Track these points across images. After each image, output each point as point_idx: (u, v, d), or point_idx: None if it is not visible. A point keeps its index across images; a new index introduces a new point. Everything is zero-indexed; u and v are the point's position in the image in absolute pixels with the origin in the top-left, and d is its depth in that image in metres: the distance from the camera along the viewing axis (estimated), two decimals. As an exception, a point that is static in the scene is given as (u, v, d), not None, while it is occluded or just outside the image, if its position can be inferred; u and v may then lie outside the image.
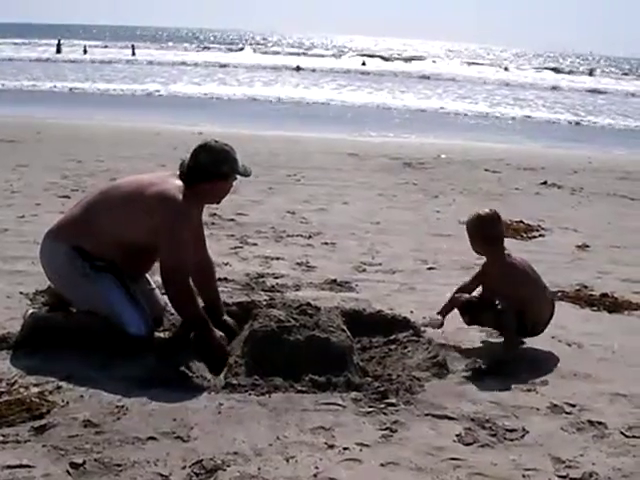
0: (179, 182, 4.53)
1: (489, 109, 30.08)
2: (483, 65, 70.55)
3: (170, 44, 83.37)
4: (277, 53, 73.78)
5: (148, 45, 77.09)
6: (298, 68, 51.25)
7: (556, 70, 67.82)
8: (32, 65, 42.77)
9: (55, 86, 31.05)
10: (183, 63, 51.12)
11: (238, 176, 4.67)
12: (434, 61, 73.35)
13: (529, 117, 28.36)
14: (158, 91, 30.89)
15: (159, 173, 4.88)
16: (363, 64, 61.79)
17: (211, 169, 4.54)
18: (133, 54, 60.65)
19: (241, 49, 77.91)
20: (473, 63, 72.97)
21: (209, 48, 78.46)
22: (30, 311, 4.57)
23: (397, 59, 72.58)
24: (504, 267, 4.80)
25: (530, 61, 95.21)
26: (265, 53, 73.32)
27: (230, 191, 4.76)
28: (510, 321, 4.64)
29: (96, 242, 4.48)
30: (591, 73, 67.18)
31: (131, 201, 4.49)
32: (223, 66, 49.94)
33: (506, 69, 65.94)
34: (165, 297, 4.63)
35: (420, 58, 76.70)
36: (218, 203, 4.89)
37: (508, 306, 4.63)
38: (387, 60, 69.67)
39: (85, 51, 58.84)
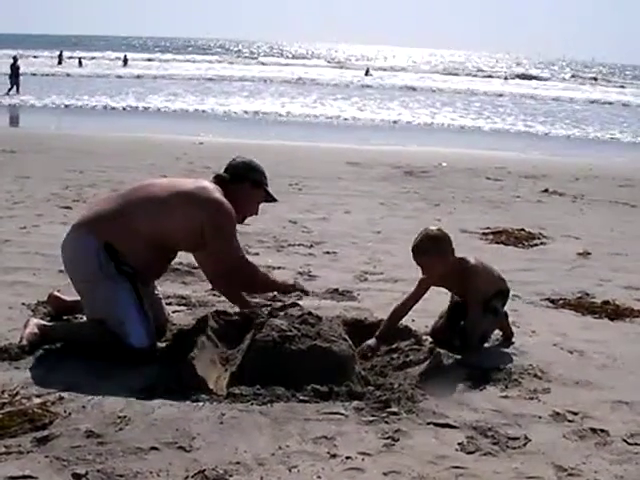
0: (216, 186, 4.72)
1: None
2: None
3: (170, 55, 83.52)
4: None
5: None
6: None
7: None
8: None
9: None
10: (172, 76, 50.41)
11: (265, 201, 5.02)
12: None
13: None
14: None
15: (191, 178, 5.02)
16: (367, 73, 61.89)
17: (243, 172, 4.88)
18: (125, 64, 60.68)
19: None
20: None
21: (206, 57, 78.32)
22: (31, 321, 4.58)
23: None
24: (462, 264, 4.82)
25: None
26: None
27: (258, 212, 5.00)
28: (475, 331, 4.71)
29: (129, 240, 4.47)
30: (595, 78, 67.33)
31: (174, 202, 4.55)
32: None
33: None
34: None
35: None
36: (242, 222, 5.01)
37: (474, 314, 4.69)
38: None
39: (80, 63, 58.70)
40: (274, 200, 5.10)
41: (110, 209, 4.58)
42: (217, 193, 4.65)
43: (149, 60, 70.55)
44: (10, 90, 33.28)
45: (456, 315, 4.90)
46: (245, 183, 4.86)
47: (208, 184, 4.71)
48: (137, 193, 4.66)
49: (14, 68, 33.92)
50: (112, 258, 4.44)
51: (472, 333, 4.76)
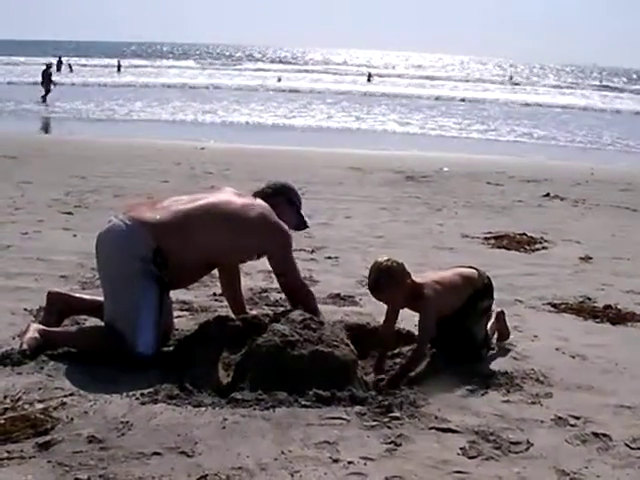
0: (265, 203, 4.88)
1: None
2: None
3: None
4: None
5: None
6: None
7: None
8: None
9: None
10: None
11: (295, 229, 5.12)
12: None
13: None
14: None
15: (229, 189, 5.06)
16: (369, 78, 61.90)
17: (281, 190, 5.09)
18: (118, 70, 60.45)
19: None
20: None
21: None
22: (32, 326, 4.58)
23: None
24: (417, 289, 4.65)
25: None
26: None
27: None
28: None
29: (184, 251, 4.50)
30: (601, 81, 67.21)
31: (235, 221, 4.66)
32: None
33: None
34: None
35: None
36: None
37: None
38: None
39: (70, 69, 58.17)
40: (305, 226, 5.27)
41: (171, 218, 4.55)
42: (276, 217, 4.79)
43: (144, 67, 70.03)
44: (44, 98, 32.61)
45: (447, 332, 4.81)
46: (279, 197, 5.00)
47: (269, 208, 4.82)
48: (199, 210, 4.65)
49: (46, 75, 33.39)
50: (155, 263, 4.44)
51: (474, 343, 4.74)
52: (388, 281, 4.51)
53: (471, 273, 4.91)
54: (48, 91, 33.10)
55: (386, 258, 4.60)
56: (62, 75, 49.60)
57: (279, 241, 4.76)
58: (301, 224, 5.18)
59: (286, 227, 4.81)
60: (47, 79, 33.45)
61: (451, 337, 4.71)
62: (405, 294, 4.59)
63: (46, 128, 24.54)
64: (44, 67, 34.42)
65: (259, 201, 4.84)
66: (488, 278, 4.95)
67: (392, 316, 4.81)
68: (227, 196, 4.84)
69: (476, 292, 4.82)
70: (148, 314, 4.44)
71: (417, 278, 4.66)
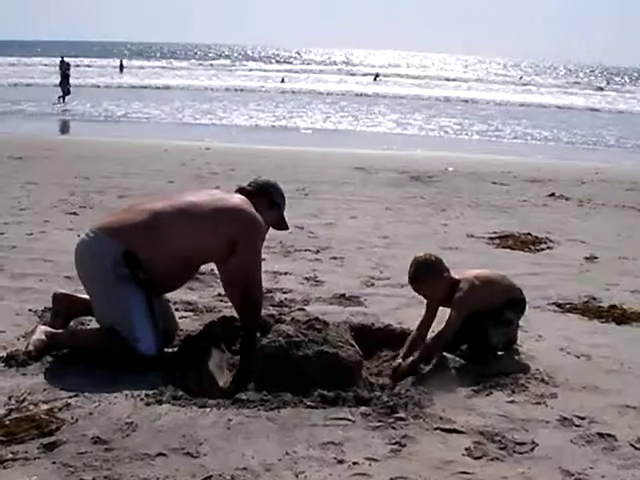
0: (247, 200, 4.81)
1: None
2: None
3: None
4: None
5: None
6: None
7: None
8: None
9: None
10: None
11: (274, 228, 5.08)
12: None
13: None
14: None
15: (214, 190, 5.08)
16: (375, 77, 61.90)
17: (265, 188, 5.00)
18: (121, 71, 60.21)
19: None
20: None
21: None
22: (39, 328, 4.59)
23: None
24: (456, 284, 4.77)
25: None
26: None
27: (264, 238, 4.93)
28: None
29: (153, 251, 4.47)
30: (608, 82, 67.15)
31: (213, 217, 4.60)
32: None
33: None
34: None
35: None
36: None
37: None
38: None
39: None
40: (286, 228, 5.19)
41: (139, 219, 4.53)
42: (254, 209, 4.72)
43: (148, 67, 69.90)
44: (62, 98, 32.44)
45: (466, 326, 4.86)
46: (263, 198, 4.93)
47: (244, 199, 4.77)
48: (170, 207, 4.62)
49: (64, 75, 33.23)
50: (128, 265, 4.42)
51: (485, 344, 4.74)
52: (426, 272, 4.72)
53: (511, 281, 5.04)
54: (67, 92, 32.98)
55: (425, 252, 4.88)
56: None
57: (248, 227, 4.64)
58: (282, 224, 5.11)
59: (262, 220, 4.72)
60: (65, 79, 33.28)
61: (466, 333, 4.76)
62: (443, 288, 4.74)
63: (63, 129, 24.59)
64: (62, 68, 34.19)
65: (235, 195, 4.83)
66: (522, 293, 5.03)
67: (430, 312, 4.88)
68: (199, 192, 4.90)
69: (509, 300, 4.90)
70: (140, 315, 4.43)
71: (456, 275, 4.82)
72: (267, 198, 4.96)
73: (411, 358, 4.58)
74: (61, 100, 32.32)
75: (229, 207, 4.65)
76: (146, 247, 4.45)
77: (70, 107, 30.70)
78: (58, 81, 33.89)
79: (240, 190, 4.93)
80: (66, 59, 35.65)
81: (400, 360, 4.64)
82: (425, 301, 4.93)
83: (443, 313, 4.83)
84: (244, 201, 4.74)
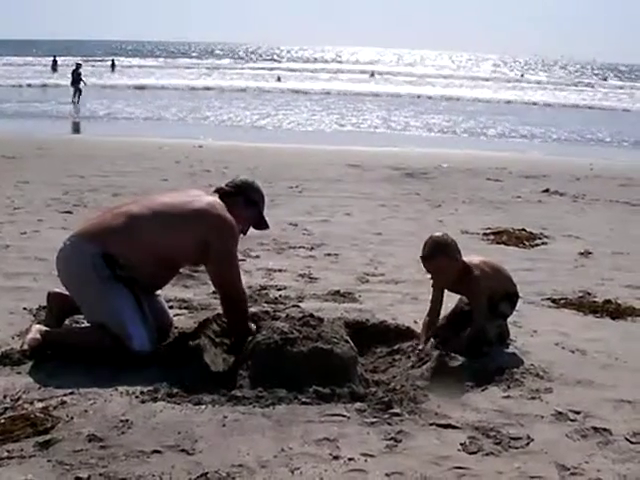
0: (220, 201, 4.78)
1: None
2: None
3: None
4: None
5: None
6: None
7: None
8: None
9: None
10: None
11: (254, 228, 5.04)
12: None
13: None
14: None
15: (196, 190, 5.03)
16: (371, 75, 61.87)
17: (241, 187, 4.93)
18: (112, 70, 59.96)
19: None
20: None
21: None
22: (34, 327, 4.59)
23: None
24: (468, 270, 4.82)
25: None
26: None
27: (246, 233, 4.98)
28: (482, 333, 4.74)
29: (130, 252, 4.48)
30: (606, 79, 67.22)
31: (182, 217, 4.61)
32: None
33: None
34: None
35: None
36: (244, 234, 5.00)
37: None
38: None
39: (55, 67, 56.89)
40: (266, 227, 5.10)
41: (115, 223, 4.56)
42: (225, 211, 4.68)
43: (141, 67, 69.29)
44: (75, 98, 32.26)
45: (462, 320, 4.88)
46: (239, 197, 4.88)
47: (215, 200, 4.74)
48: (145, 209, 4.64)
49: (75, 75, 33.02)
50: (109, 266, 4.44)
51: (479, 339, 4.75)
52: (442, 251, 4.73)
53: (509, 274, 5.12)
54: (79, 91, 32.84)
55: (442, 233, 4.91)
56: (59, 75, 49.34)
57: (221, 232, 4.61)
58: (262, 224, 5.05)
59: (234, 221, 4.67)
60: (77, 79, 33.10)
61: (463, 325, 4.80)
62: (455, 270, 4.77)
63: (77, 128, 24.60)
64: (74, 67, 34.09)
65: (209, 196, 4.80)
66: (517, 289, 5.10)
67: (437, 298, 4.91)
68: (179, 192, 4.92)
69: (505, 294, 4.97)
70: (129, 312, 4.45)
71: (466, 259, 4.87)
72: (243, 197, 4.90)
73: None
74: (76, 100, 32.24)
75: (196, 208, 4.64)
76: (123, 249, 4.48)
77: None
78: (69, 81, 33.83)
79: (218, 190, 4.93)
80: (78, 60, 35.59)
81: (423, 345, 4.69)
82: (429, 299, 4.95)
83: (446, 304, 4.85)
84: (214, 202, 4.72)
